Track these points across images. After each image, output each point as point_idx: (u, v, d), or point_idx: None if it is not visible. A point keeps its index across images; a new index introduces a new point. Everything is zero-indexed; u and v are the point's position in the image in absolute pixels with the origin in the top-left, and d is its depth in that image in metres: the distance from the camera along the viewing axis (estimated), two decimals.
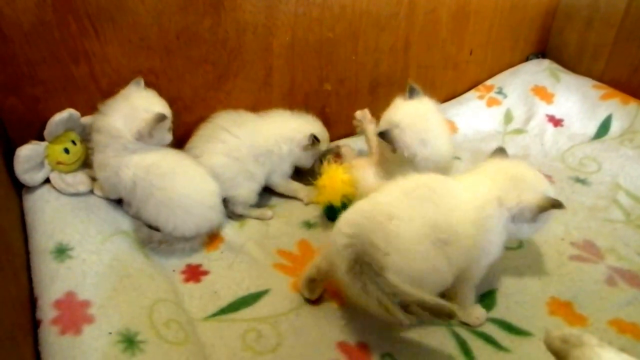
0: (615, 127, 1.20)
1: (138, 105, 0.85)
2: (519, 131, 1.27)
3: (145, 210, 0.87)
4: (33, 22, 0.81)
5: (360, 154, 1.11)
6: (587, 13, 1.30)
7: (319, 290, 0.81)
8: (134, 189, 0.86)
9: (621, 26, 1.23)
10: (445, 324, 0.77)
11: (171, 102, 0.91)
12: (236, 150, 0.95)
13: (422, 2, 1.14)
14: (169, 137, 0.90)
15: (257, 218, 0.99)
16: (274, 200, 1.03)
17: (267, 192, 1.03)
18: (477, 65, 1.35)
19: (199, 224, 0.89)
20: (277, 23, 1.01)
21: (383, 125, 0.90)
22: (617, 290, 0.82)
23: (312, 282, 0.79)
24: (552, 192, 0.76)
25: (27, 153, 0.82)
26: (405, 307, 0.66)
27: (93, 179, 0.91)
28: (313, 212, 1.02)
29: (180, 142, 0.97)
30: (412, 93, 0.93)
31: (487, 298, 0.82)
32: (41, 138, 0.86)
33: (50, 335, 0.64)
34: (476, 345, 0.74)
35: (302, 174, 1.06)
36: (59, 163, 0.87)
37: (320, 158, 1.03)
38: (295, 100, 1.11)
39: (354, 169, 0.96)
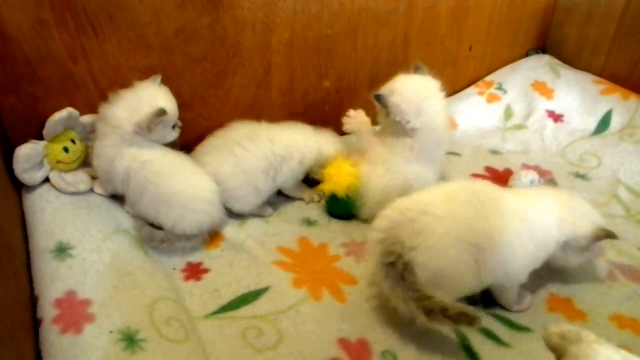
0: (615, 122, 1.20)
1: (143, 99, 0.85)
2: (519, 127, 1.27)
3: (140, 205, 0.87)
4: (32, 21, 0.81)
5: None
6: (587, 8, 1.29)
7: None
8: (128, 181, 0.85)
9: (621, 21, 1.22)
10: None
11: None
12: (246, 164, 0.93)
13: None
14: (172, 135, 0.90)
15: (258, 215, 0.99)
16: (274, 198, 1.03)
17: None
18: (477, 61, 1.34)
19: (199, 220, 0.88)
20: (276, 20, 1.01)
21: (382, 91, 0.92)
22: (618, 285, 0.82)
23: None
24: (603, 224, 0.78)
25: (26, 152, 0.82)
26: (429, 312, 0.66)
27: (93, 178, 0.91)
28: (313, 210, 1.02)
29: (177, 140, 0.96)
30: (417, 70, 0.95)
31: (488, 293, 0.82)
32: (41, 137, 0.86)
33: (51, 335, 0.64)
34: (477, 340, 0.74)
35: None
36: (58, 162, 0.87)
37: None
38: (294, 97, 1.11)
39: (362, 163, 0.96)
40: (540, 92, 1.31)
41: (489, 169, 1.15)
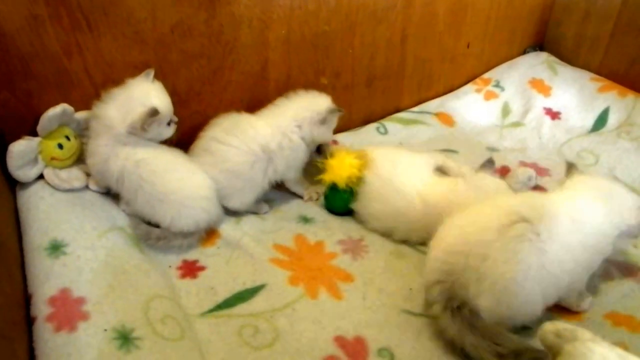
0: (612, 119, 1.20)
1: (136, 98, 0.84)
2: (516, 124, 1.27)
3: (136, 203, 0.86)
4: (25, 16, 0.80)
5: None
6: (585, 5, 1.29)
7: None
8: (122, 180, 0.85)
9: (618, 18, 1.22)
10: None
11: None
12: (226, 162, 0.91)
13: None
14: (168, 132, 0.89)
15: (253, 212, 0.98)
16: (271, 195, 1.03)
17: None
18: (474, 58, 1.34)
19: (196, 217, 0.88)
20: (273, 16, 1.00)
21: None
22: (614, 282, 0.82)
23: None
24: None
25: (20, 149, 0.81)
26: (501, 357, 0.65)
27: (88, 175, 0.90)
28: (310, 207, 1.01)
29: (173, 137, 0.96)
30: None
31: None
32: (34, 133, 0.85)
33: (45, 332, 0.63)
34: None
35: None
36: (53, 159, 0.86)
37: (319, 150, 1.02)
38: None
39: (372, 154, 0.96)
40: (537, 89, 1.30)
41: None
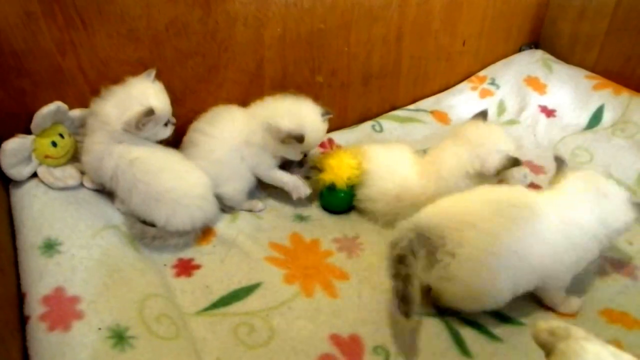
0: (607, 117, 1.21)
1: (134, 96, 0.84)
2: (511, 122, 1.27)
3: (131, 202, 0.86)
4: (18, 13, 0.79)
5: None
6: (580, 3, 1.29)
7: None
8: (116, 179, 0.84)
9: (614, 16, 1.23)
10: (438, 314, 0.77)
11: None
12: (210, 152, 0.92)
13: None
14: (165, 133, 0.89)
15: (248, 210, 0.98)
16: (266, 193, 1.03)
17: (259, 184, 1.02)
18: (470, 56, 1.34)
19: (192, 216, 0.88)
20: (268, 14, 0.99)
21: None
22: (609, 279, 0.83)
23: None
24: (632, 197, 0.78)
25: (13, 147, 0.81)
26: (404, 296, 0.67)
27: (82, 173, 0.89)
28: (305, 205, 1.01)
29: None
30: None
31: None
32: (28, 131, 0.85)
33: (38, 332, 0.63)
34: (469, 335, 0.75)
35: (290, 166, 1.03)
36: (46, 157, 0.86)
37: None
38: (286, 92, 1.10)
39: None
40: (533, 87, 1.31)
41: None
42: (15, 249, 0.76)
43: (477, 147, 0.88)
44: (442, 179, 0.89)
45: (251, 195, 1.00)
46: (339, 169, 0.95)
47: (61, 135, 0.88)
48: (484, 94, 1.32)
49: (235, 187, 0.96)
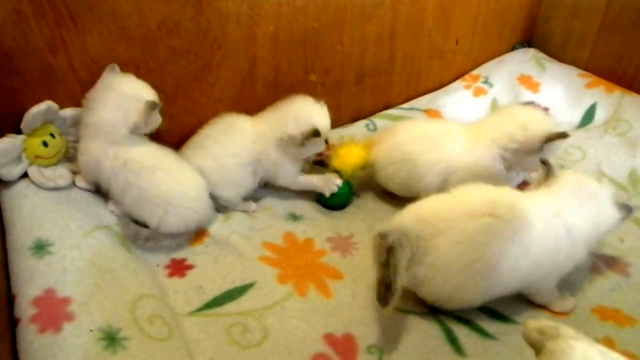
0: (599, 115, 1.21)
1: (127, 95, 0.83)
2: None
3: (123, 203, 0.85)
4: (8, 11, 0.78)
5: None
6: (573, 2, 1.30)
7: None
8: (111, 180, 0.84)
9: (606, 14, 1.23)
10: (431, 313, 0.77)
11: None
12: (219, 157, 0.93)
13: None
14: (158, 119, 0.88)
15: (242, 211, 0.98)
16: (260, 193, 1.02)
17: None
18: (463, 54, 1.34)
19: (185, 218, 0.87)
20: (261, 13, 0.99)
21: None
22: (601, 277, 0.83)
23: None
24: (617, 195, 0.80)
25: (3, 147, 0.80)
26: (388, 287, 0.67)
27: (74, 173, 0.89)
28: (299, 205, 1.01)
29: (162, 135, 0.94)
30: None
31: None
32: (18, 131, 0.84)
33: (29, 334, 0.62)
34: (462, 333, 0.75)
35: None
36: (37, 157, 0.85)
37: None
38: (279, 91, 1.10)
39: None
40: (526, 85, 1.31)
41: None
42: (5, 249, 0.75)
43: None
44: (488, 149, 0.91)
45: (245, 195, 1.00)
46: (347, 156, 0.98)
47: (52, 135, 0.87)
48: (478, 92, 1.32)
49: (236, 192, 0.96)
